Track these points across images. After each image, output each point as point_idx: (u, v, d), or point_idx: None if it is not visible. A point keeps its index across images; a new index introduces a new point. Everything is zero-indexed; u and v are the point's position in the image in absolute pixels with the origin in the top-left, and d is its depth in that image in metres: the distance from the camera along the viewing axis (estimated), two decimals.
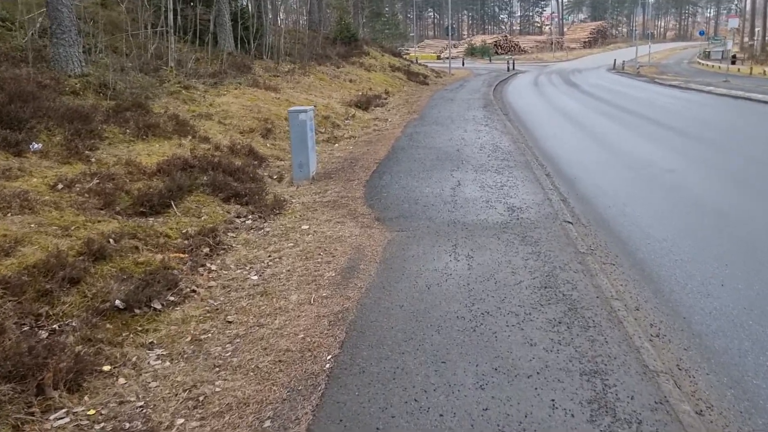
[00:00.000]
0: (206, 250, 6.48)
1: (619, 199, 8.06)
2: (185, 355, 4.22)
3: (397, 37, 52.07)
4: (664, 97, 24.07)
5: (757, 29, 56.42)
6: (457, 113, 17.47)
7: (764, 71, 41.92)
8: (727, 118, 17.10)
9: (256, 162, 10.67)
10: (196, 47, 19.81)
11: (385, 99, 21.97)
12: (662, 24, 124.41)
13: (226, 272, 5.89)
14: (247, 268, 5.99)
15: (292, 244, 6.51)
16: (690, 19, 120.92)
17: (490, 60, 71.36)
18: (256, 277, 5.72)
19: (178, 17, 21.37)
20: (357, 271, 5.56)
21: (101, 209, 6.99)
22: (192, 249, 6.41)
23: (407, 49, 58.63)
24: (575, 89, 29.12)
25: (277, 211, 7.81)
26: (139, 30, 17.78)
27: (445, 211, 7.34)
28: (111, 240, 5.93)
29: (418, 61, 52.04)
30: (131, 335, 4.54)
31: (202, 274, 5.85)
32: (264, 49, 23.00)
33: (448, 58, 45.50)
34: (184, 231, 6.89)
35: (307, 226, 7.08)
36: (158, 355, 4.25)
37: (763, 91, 24.77)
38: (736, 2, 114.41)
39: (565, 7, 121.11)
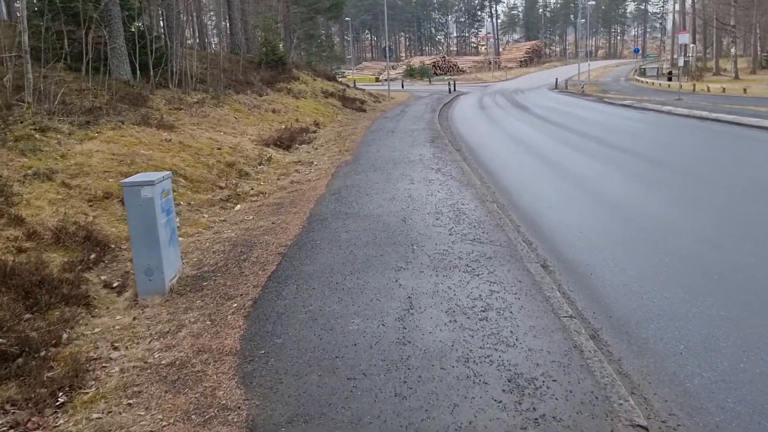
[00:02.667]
0: None
1: (687, 334, 4.56)
2: None
3: (333, 60, 48.65)
4: (625, 120, 21.33)
5: (691, 46, 55.95)
6: (400, 152, 13.90)
7: (707, 87, 40.69)
8: (716, 147, 14.24)
9: (93, 256, 6.72)
10: (82, 75, 15.73)
11: (314, 133, 18.25)
12: (593, 42, 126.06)
13: None
14: None
15: None
16: (619, 37, 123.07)
17: (430, 81, 68.98)
18: None
19: (65, 40, 17.19)
20: None
21: None
22: None
23: (344, 72, 55.29)
24: (526, 113, 26.22)
25: (66, 398, 3.95)
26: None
27: (388, 397, 3.64)
28: None
29: (356, 85, 48.77)
30: None
31: None
32: (170, 76, 19.02)
33: (387, 80, 42.28)
34: None
35: None
36: None
37: (727, 111, 22.43)
38: (659, 22, 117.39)
39: (499, 28, 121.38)
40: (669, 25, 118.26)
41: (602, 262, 6.18)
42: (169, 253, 5.77)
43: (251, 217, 8.37)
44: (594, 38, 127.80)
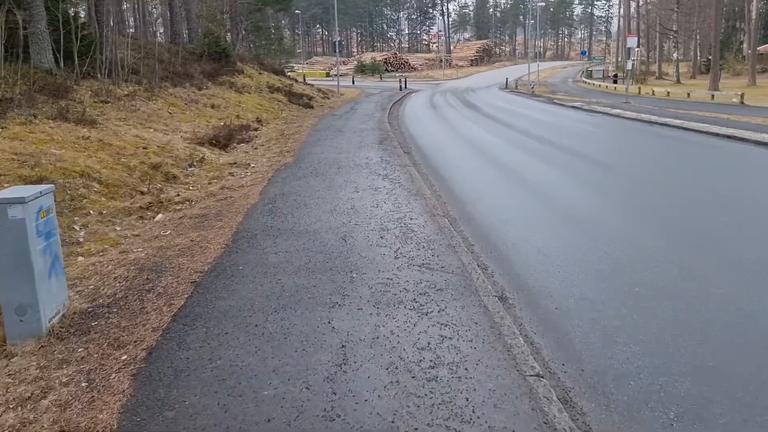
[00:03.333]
0: None
1: (675, 395, 3.76)
2: None
3: (282, 54, 47.12)
4: (576, 122, 20.99)
5: (636, 49, 57.03)
6: (345, 154, 12.92)
7: (652, 91, 41.29)
8: (667, 152, 13.84)
9: None
10: None
11: (256, 131, 17.04)
12: (541, 44, 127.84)
13: None
14: None
15: None
16: (566, 39, 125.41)
17: (381, 78, 68.19)
18: None
19: None
20: None
21: None
22: None
23: (293, 67, 53.78)
24: (477, 113, 25.67)
25: None
26: None
27: None
28: None
29: (306, 80, 47.47)
30: None
31: None
32: (100, 66, 17.47)
33: (336, 75, 41.17)
34: None
35: None
36: None
37: (673, 115, 22.43)
38: (605, 26, 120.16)
39: (450, 26, 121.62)
40: (614, 29, 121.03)
41: (566, 290, 5.39)
42: (48, 285, 4.63)
43: (169, 231, 7.22)
44: (542, 39, 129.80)
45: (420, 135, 17.78)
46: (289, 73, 48.05)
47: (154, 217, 8.27)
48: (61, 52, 16.33)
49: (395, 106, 29.40)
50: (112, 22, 20.22)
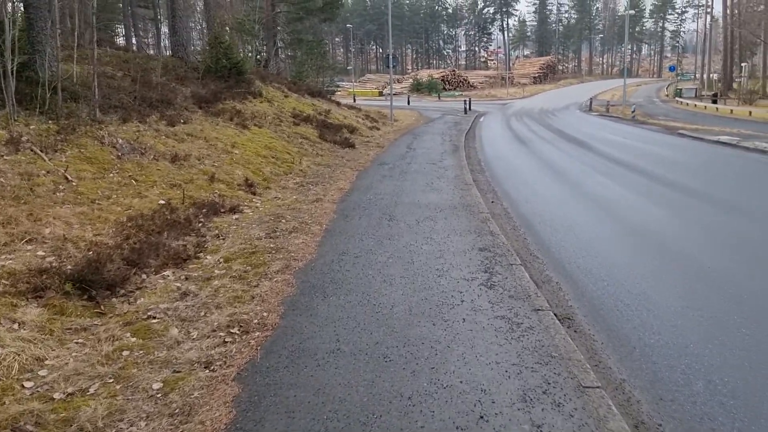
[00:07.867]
0: None
1: None
2: None
3: (327, 69, 39.07)
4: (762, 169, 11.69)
5: (743, 64, 46.31)
6: (398, 372, 4.26)
7: None
8: None
9: None
10: None
11: (232, 213, 8.52)
12: (606, 60, 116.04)
13: None
14: None
15: None
16: (634, 55, 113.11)
17: (439, 97, 59.48)
18: None
19: None
20: None
21: None
22: None
23: (338, 85, 45.72)
24: (590, 152, 16.63)
25: None
26: None
27: None
28: None
29: (355, 99, 39.38)
30: None
31: None
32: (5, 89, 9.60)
33: (389, 94, 32.61)
34: None
35: None
36: None
37: None
38: (679, 40, 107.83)
39: (510, 42, 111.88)
40: (689, 42, 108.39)
41: None
42: None
43: None
44: (607, 55, 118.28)
45: (544, 223, 8.91)
46: (337, 92, 40.02)
47: None
48: None
49: (469, 140, 20.60)
50: (64, 22, 12.38)
